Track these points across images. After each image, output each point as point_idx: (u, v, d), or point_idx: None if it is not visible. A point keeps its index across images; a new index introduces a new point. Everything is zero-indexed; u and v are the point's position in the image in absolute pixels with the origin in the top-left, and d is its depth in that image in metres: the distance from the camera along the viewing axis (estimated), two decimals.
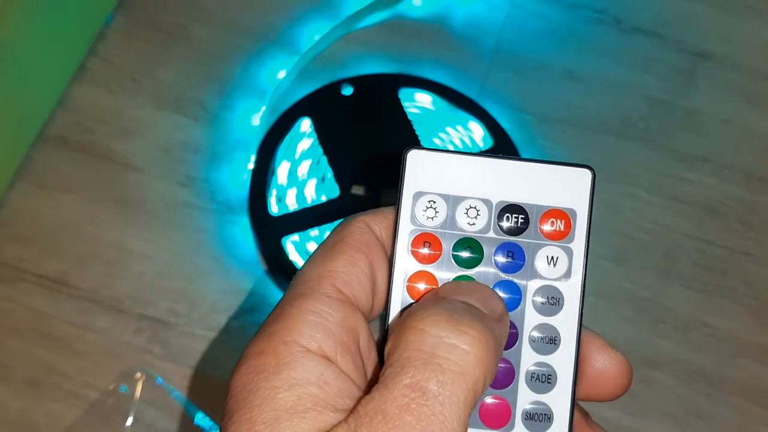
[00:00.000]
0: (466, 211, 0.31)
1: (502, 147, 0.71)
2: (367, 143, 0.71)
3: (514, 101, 0.75)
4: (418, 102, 0.73)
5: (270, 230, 0.67)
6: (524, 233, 0.31)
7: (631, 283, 0.69)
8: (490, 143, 0.71)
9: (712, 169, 0.74)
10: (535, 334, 0.31)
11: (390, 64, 0.75)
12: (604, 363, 0.32)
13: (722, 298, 0.69)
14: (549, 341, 0.31)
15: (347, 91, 0.72)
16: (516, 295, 0.31)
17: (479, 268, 0.31)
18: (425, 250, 0.31)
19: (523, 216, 0.31)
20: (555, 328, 0.31)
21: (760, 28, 0.79)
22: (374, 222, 0.31)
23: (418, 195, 0.31)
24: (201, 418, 0.62)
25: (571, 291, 0.31)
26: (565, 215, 0.31)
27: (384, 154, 0.70)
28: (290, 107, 0.71)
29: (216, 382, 0.64)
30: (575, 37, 0.77)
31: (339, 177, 0.69)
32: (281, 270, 0.67)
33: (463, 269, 0.31)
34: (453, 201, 0.31)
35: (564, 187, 0.31)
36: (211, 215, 0.69)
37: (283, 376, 0.26)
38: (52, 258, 0.68)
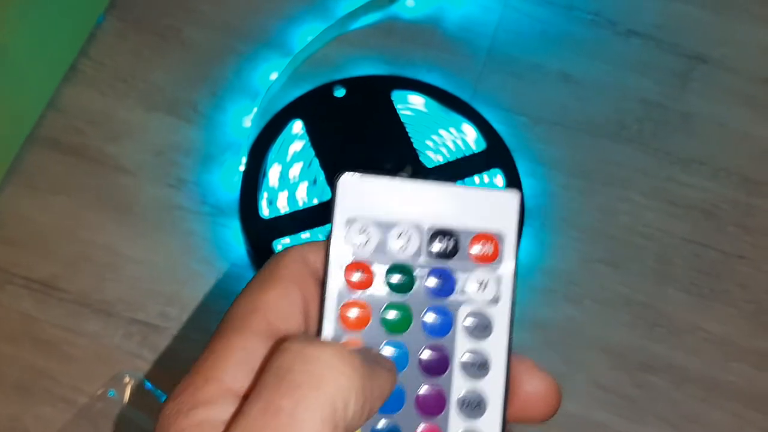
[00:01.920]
0: (398, 236, 0.31)
1: (495, 149, 0.71)
2: (360, 145, 0.70)
3: (507, 103, 0.74)
4: (411, 104, 0.72)
5: (261, 233, 0.67)
6: (454, 257, 0.31)
7: (627, 286, 0.69)
8: (483, 146, 0.71)
9: (708, 173, 0.73)
10: (466, 359, 0.31)
11: (383, 66, 0.75)
12: (534, 386, 0.32)
13: (717, 302, 0.69)
14: (479, 367, 0.31)
15: (339, 93, 0.72)
16: (447, 320, 0.31)
17: (411, 294, 0.31)
18: (358, 277, 0.31)
19: (453, 240, 0.31)
20: (485, 353, 0.31)
21: (755, 32, 0.78)
22: (309, 252, 0.31)
23: (351, 221, 0.31)
24: None
25: (500, 315, 0.31)
26: (493, 239, 0.31)
27: (376, 156, 0.70)
28: (282, 109, 0.71)
29: None
30: (569, 40, 0.77)
31: (331, 179, 0.69)
32: None
33: (396, 295, 0.31)
34: (385, 226, 0.31)
35: (492, 211, 0.32)
36: (202, 218, 0.69)
37: (197, 414, 0.25)
38: (41, 261, 0.67)
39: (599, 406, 0.65)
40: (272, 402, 0.24)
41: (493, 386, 0.31)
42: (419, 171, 0.69)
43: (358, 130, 0.71)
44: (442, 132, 0.72)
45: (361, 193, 0.31)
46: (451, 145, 0.71)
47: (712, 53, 0.77)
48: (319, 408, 0.24)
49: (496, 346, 0.31)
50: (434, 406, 0.31)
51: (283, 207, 0.68)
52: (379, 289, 0.31)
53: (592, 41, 0.77)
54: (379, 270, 0.31)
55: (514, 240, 0.31)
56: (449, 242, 0.31)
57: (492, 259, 0.31)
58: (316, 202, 0.68)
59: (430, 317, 0.31)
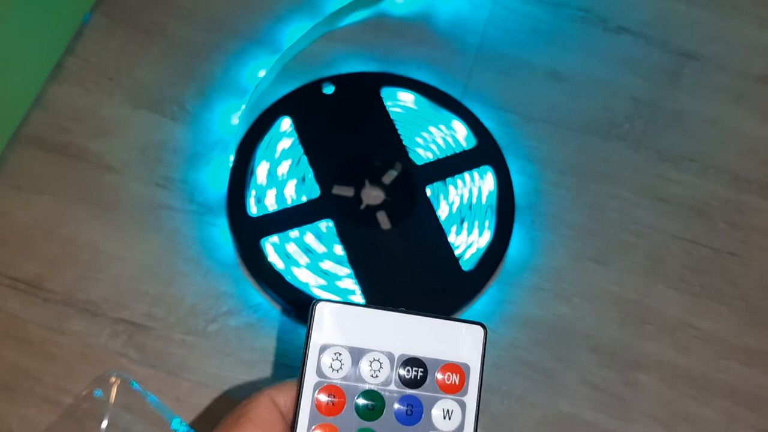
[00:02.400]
0: (370, 363, 0.33)
1: (485, 146, 0.70)
2: (349, 143, 0.70)
3: (498, 101, 0.74)
4: (401, 101, 0.72)
5: (249, 231, 0.66)
6: (423, 386, 0.33)
7: (617, 284, 0.68)
8: (473, 143, 0.70)
9: (698, 170, 0.73)
10: None
11: (372, 63, 0.74)
12: None
13: (708, 300, 0.68)
14: None
15: (328, 90, 0.71)
16: None
17: (380, 420, 0.32)
18: (329, 401, 0.32)
19: (422, 369, 0.33)
20: None
21: (746, 29, 0.78)
22: (279, 395, 0.32)
23: (324, 347, 0.32)
24: (177, 424, 0.61)
25: None
26: (459, 369, 0.33)
27: (366, 154, 0.69)
28: (270, 106, 0.70)
29: (193, 388, 0.63)
30: (560, 37, 0.77)
31: (319, 177, 0.68)
32: (260, 272, 0.65)
33: (365, 422, 0.32)
34: (358, 353, 0.33)
35: (460, 343, 0.33)
36: (189, 216, 0.68)
37: None
38: (26, 260, 0.66)
39: (589, 405, 0.64)
40: None
41: None
42: (409, 169, 0.69)
43: (347, 127, 0.70)
44: (432, 129, 0.71)
45: (336, 320, 0.33)
46: (441, 142, 0.71)
47: (703, 50, 0.77)
48: None
49: None
50: None
51: (271, 205, 0.67)
52: (349, 414, 0.32)
53: (582, 38, 0.77)
54: (350, 396, 0.32)
55: (479, 371, 0.33)
56: (418, 371, 0.33)
57: (458, 389, 0.33)
58: (304, 199, 0.68)
59: None
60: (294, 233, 0.66)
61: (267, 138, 0.69)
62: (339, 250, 0.66)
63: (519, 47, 0.76)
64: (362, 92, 0.71)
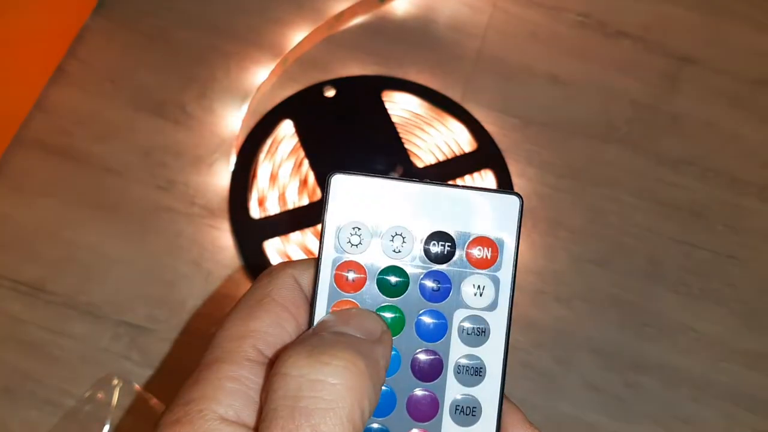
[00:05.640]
0: (392, 238, 0.30)
1: (486, 150, 0.71)
2: (350, 145, 0.70)
3: (498, 104, 0.74)
4: (402, 104, 0.72)
5: (251, 234, 0.66)
6: (451, 261, 0.31)
7: (617, 287, 0.69)
8: (473, 146, 0.71)
9: (697, 173, 0.73)
10: (461, 364, 0.30)
11: (373, 66, 0.74)
12: None
13: (708, 302, 0.69)
14: (474, 372, 0.30)
15: (330, 93, 0.72)
16: (441, 325, 0.30)
17: (404, 297, 0.30)
18: (350, 277, 0.30)
19: (449, 244, 0.30)
20: (481, 359, 0.30)
21: (743, 33, 0.79)
22: (302, 274, 0.30)
23: (342, 222, 0.30)
24: None
25: (498, 321, 0.30)
26: (492, 243, 0.30)
27: (367, 156, 0.70)
28: (271, 109, 0.71)
29: None
30: (559, 41, 0.77)
31: (321, 180, 0.68)
32: None
33: (388, 298, 0.30)
34: (379, 228, 0.30)
35: (492, 215, 0.31)
36: (192, 219, 0.68)
37: None
38: (28, 263, 0.66)
39: (590, 407, 0.64)
40: (292, 431, 0.24)
41: (488, 393, 0.30)
42: (410, 171, 0.69)
43: (348, 130, 0.71)
44: (432, 132, 0.71)
45: (354, 194, 0.30)
46: (441, 145, 0.71)
47: (701, 54, 0.77)
48: (339, 425, 0.24)
49: (492, 353, 0.30)
50: (426, 412, 0.30)
51: (273, 207, 0.68)
52: (371, 290, 0.30)
53: (581, 42, 0.77)
54: (372, 272, 0.30)
55: (514, 246, 0.30)
56: (446, 246, 0.30)
57: (490, 264, 0.30)
58: (306, 202, 0.68)
59: (423, 321, 0.30)
60: (296, 236, 0.67)
61: (269, 141, 0.69)
62: None
63: (518, 51, 0.76)
64: (363, 95, 0.72)
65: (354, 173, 0.30)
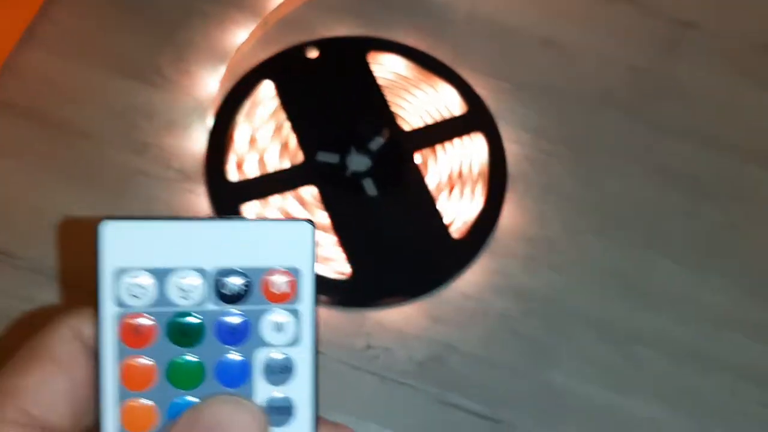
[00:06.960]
0: (179, 282, 0.29)
1: (476, 113, 0.67)
2: (334, 108, 0.67)
3: (489, 68, 0.71)
4: (389, 66, 0.69)
5: (228, 198, 0.63)
6: (246, 299, 0.29)
7: (615, 256, 0.65)
8: (463, 109, 0.67)
9: (698, 141, 0.70)
10: (268, 405, 0.29)
11: (359, 29, 0.71)
12: None
13: (708, 272, 0.65)
14: (282, 412, 0.29)
15: (313, 54, 0.68)
16: (243, 368, 0.29)
17: (201, 345, 0.29)
18: (135, 331, 0.28)
19: (242, 280, 0.29)
20: (288, 398, 0.29)
21: None
22: (84, 324, 0.29)
23: (120, 272, 0.28)
24: None
25: (302, 356, 0.29)
26: (288, 274, 0.29)
27: (352, 119, 0.66)
28: (251, 70, 0.67)
29: None
30: (554, 3, 0.74)
31: (303, 143, 0.65)
32: None
33: (183, 349, 0.29)
34: (162, 273, 0.28)
35: (284, 245, 0.29)
36: (167, 184, 0.65)
37: None
38: None
39: (585, 378, 0.61)
40: None
41: (299, 430, 0.29)
42: (397, 134, 0.66)
43: (332, 92, 0.67)
44: (420, 95, 0.68)
45: (131, 241, 0.28)
46: (430, 108, 0.68)
47: (703, 19, 0.75)
48: None
49: (299, 389, 0.29)
50: None
51: (252, 171, 0.64)
52: (162, 343, 0.28)
53: (578, 6, 0.74)
54: (160, 324, 0.28)
55: (311, 275, 0.29)
56: (238, 284, 0.29)
57: (288, 297, 0.29)
58: (288, 165, 0.65)
59: (224, 366, 0.29)
60: (276, 199, 0.63)
61: (248, 103, 0.66)
62: (323, 217, 0.63)
63: (511, 13, 0.73)
64: (348, 57, 0.69)
65: (127, 219, 0.29)
